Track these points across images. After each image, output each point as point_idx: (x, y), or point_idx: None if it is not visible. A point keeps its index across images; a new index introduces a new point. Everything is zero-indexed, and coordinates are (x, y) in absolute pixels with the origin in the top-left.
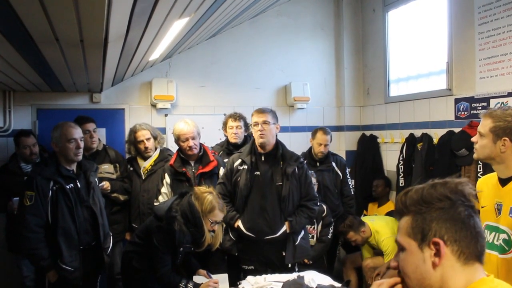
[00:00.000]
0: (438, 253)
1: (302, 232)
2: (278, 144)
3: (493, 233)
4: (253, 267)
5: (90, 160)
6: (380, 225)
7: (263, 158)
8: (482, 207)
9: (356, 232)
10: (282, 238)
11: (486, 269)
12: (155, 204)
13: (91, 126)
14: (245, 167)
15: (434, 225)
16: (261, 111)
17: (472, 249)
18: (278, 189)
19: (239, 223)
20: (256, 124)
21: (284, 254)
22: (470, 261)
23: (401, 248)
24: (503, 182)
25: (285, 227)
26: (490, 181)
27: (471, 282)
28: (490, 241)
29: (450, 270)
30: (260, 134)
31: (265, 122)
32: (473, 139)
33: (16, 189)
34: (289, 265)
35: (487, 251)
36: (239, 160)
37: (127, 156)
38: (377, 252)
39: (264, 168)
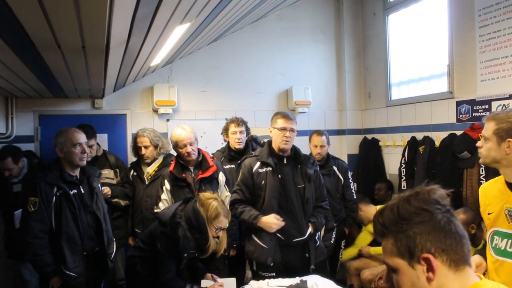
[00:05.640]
0: (430, 268)
1: (317, 233)
2: (294, 146)
3: (505, 240)
4: (274, 274)
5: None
6: None
7: (285, 161)
8: (488, 214)
9: None
10: (307, 240)
11: (501, 278)
12: (156, 210)
13: (89, 142)
14: (269, 169)
15: (418, 241)
16: (290, 117)
17: (459, 254)
18: (301, 192)
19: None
20: (284, 129)
21: (308, 256)
22: (460, 266)
23: (392, 270)
24: None
25: (310, 229)
26: (496, 186)
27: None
28: (503, 248)
29: (444, 280)
30: (285, 141)
31: (292, 130)
32: (478, 143)
33: (4, 196)
34: (312, 267)
35: (501, 258)
36: (258, 163)
37: (131, 160)
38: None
39: (286, 171)
